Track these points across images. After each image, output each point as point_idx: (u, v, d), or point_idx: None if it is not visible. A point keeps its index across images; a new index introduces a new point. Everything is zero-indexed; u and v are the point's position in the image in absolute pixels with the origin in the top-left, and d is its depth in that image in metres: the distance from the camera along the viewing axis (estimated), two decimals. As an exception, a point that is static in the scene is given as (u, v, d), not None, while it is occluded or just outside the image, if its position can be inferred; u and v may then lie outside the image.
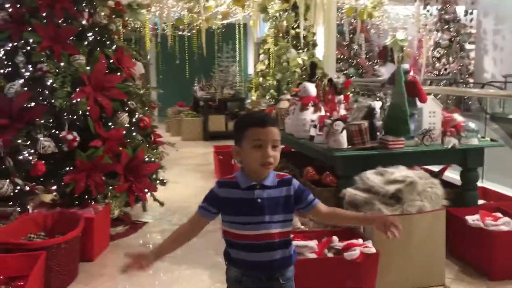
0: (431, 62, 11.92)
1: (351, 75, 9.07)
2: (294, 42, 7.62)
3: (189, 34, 9.57)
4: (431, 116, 3.38)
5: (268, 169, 1.65)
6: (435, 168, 3.91)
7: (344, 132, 3.22)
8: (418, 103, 3.32)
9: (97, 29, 3.90)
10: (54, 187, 3.49)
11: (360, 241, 2.78)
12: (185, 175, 6.11)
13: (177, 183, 5.42)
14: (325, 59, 8.08)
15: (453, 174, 4.24)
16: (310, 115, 3.76)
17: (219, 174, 5.65)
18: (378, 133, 3.44)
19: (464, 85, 11.65)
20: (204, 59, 10.19)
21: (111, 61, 3.89)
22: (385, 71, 12.24)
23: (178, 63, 10.63)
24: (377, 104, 3.54)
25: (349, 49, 10.04)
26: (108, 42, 3.98)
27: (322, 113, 3.79)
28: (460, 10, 11.89)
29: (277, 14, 6.78)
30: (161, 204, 4.22)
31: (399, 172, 3.02)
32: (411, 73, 3.29)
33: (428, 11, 11.79)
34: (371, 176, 3.05)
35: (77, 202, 3.56)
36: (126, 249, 3.64)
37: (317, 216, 1.81)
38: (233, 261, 1.73)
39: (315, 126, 3.57)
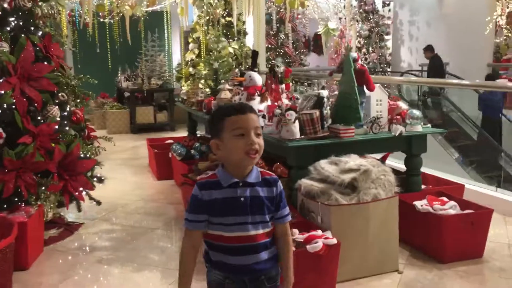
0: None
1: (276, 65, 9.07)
2: (225, 31, 7.48)
3: (111, 21, 9.06)
4: (378, 104, 3.41)
5: (253, 158, 1.52)
6: (377, 156, 3.97)
7: (297, 122, 3.16)
8: (367, 91, 3.33)
9: (20, 13, 3.51)
10: (-22, 190, 3.11)
11: (320, 232, 2.75)
12: (118, 170, 5.79)
13: (111, 179, 5.09)
14: (255, 48, 8.03)
15: (390, 162, 4.36)
16: (257, 105, 3.67)
17: (156, 168, 5.40)
18: (324, 122, 3.42)
19: (383, 74, 12.13)
20: (127, 48, 9.73)
21: (38, 48, 3.52)
22: (310, 61, 12.48)
23: (99, 52, 10.06)
24: (325, 93, 3.51)
25: (276, 39, 10.04)
26: (33, 28, 3.60)
27: (269, 102, 3.70)
28: (378, 1, 12.33)
29: (211, 1, 6.58)
30: (98, 203, 3.93)
31: (353, 160, 3.01)
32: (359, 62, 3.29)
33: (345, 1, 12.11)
34: (326, 166, 3.02)
35: (5, 206, 3.20)
36: (63, 254, 3.36)
37: (279, 234, 1.65)
38: (215, 264, 1.59)
39: (263, 116, 3.48)
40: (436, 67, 9.51)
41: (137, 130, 8.87)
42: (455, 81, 6.53)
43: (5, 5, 3.42)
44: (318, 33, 12.22)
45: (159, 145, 5.93)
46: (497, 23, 9.07)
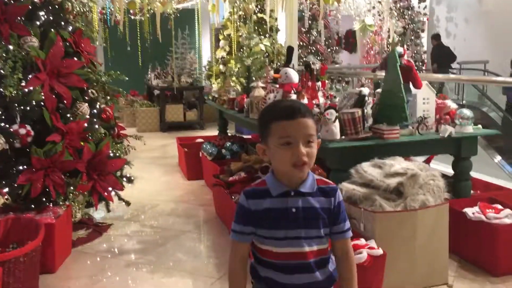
0: (386, 49, 11.93)
1: (311, 62, 8.85)
2: (256, 28, 7.31)
3: (141, 18, 8.99)
4: (425, 103, 3.17)
5: (302, 171, 1.33)
6: (420, 159, 3.73)
7: (337, 121, 2.95)
8: (412, 89, 3.10)
9: (50, 7, 3.41)
10: (6, 189, 3.02)
11: (363, 241, 2.53)
12: (147, 169, 5.68)
13: (139, 179, 4.98)
14: (287, 45, 7.83)
15: (434, 165, 4.10)
16: (293, 103, 3.47)
17: (186, 168, 5.27)
18: (365, 122, 3.21)
19: (420, 72, 11.73)
20: (157, 45, 9.64)
21: (68, 44, 3.41)
22: (342, 59, 12.20)
23: (130, 49, 10.03)
24: (366, 91, 3.29)
25: (308, 36, 9.81)
26: (63, 23, 3.50)
27: (306, 100, 3.50)
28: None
29: (245, -3, 6.42)
30: (128, 203, 3.81)
31: (399, 163, 2.79)
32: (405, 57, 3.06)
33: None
34: (369, 169, 2.80)
35: (33, 206, 3.10)
36: (91, 256, 3.24)
37: (338, 252, 1.45)
38: (263, 280, 1.41)
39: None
40: (445, 55, 9.54)
41: (166, 128, 8.78)
42: (499, 78, 6.19)
43: (35, -1, 3.32)
44: (351, 30, 11.96)
45: (189, 144, 5.79)
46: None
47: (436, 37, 10.72)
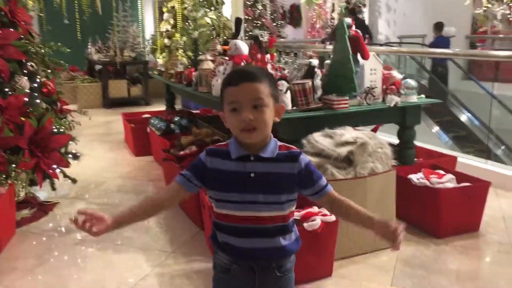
0: (330, 23, 12.06)
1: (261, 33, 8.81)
2: (201, 0, 7.16)
3: (79, -10, 8.55)
4: (372, 73, 3.24)
5: (250, 135, 1.32)
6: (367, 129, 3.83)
7: (288, 92, 2.96)
8: (360, 60, 3.16)
9: (-19, -27, 3.18)
10: None
11: (316, 208, 2.59)
12: (91, 146, 5.51)
13: (85, 156, 4.81)
14: (232, 19, 7.74)
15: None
16: (243, 75, 3.44)
17: (133, 144, 5.15)
18: (315, 93, 3.24)
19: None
20: (96, 18, 9.25)
21: (3, 13, 3.20)
22: (288, 33, 12.23)
23: (68, 22, 9.55)
24: (316, 62, 3.32)
25: (253, 10, 9.74)
26: (-4, -10, 3.27)
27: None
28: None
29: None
30: (74, 181, 3.69)
31: (349, 133, 2.85)
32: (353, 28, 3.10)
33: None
34: (320, 139, 2.85)
35: (-28, 185, 2.94)
36: (37, 236, 3.12)
37: (327, 206, 1.47)
38: (221, 246, 1.41)
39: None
40: (360, 28, 9.86)
41: (110, 104, 8.52)
42: (438, 50, 6.44)
43: (-36, -36, 3.08)
44: (295, 4, 11.97)
45: (135, 119, 5.65)
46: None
47: (351, 11, 10.85)
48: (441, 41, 8.75)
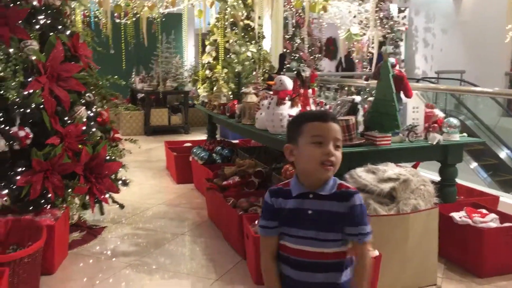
0: (366, 58, 12.19)
1: (293, 69, 8.98)
2: (243, 34, 7.41)
3: (127, 22, 8.98)
4: (414, 111, 3.32)
5: (328, 170, 1.43)
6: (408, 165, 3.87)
7: (333, 128, 3.06)
8: (403, 98, 3.24)
9: (49, 11, 3.44)
10: (5, 191, 3.03)
11: (359, 243, 2.65)
12: (135, 173, 5.69)
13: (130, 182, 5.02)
14: (272, 52, 7.95)
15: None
16: (287, 109, 3.57)
17: (175, 172, 5.32)
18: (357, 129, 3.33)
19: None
20: (140, 49, 9.65)
21: (67, 48, 3.45)
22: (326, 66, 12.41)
23: (113, 52, 9.99)
24: (359, 99, 3.42)
25: (291, 43, 9.95)
26: (61, 27, 3.53)
27: (300, 107, 3.61)
28: (393, 7, 12.23)
29: (235, 3, 6.50)
30: (121, 206, 3.85)
31: (391, 169, 2.92)
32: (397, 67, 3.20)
33: (363, 7, 12.02)
34: (363, 174, 2.92)
35: (31, 208, 3.12)
36: (88, 258, 3.27)
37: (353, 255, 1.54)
38: (283, 277, 1.51)
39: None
40: None
41: (151, 132, 8.80)
42: (478, 88, 6.43)
43: (35, 3, 3.35)
44: (332, 38, 12.17)
45: (177, 148, 5.85)
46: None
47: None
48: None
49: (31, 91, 3.12)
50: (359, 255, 1.51)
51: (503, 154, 7.76)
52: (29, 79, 3.14)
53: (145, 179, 5.56)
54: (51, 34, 3.37)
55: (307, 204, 1.46)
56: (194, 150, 5.06)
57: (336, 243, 1.47)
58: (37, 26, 3.36)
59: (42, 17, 3.39)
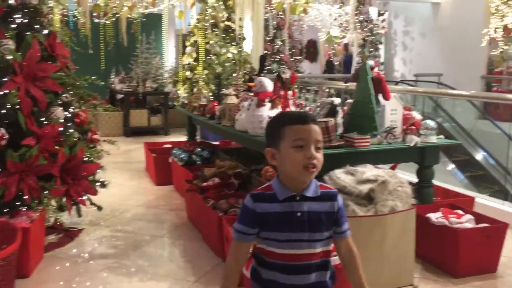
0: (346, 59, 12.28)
1: (274, 70, 9.01)
2: (223, 35, 7.39)
3: (106, 22, 8.89)
4: (392, 113, 3.35)
5: (311, 173, 1.43)
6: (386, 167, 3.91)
7: (312, 130, 3.08)
8: (381, 100, 3.28)
9: (26, 10, 3.38)
10: (-21, 193, 2.97)
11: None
12: (114, 174, 5.61)
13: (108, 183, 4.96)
14: (253, 54, 7.95)
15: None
16: (267, 111, 3.58)
17: (155, 174, 5.28)
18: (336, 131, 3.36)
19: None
20: (120, 49, 9.55)
21: (43, 47, 3.39)
22: (306, 68, 12.47)
23: (92, 52, 9.88)
24: (338, 101, 3.45)
25: (272, 45, 9.98)
26: (38, 26, 3.48)
27: (280, 109, 3.62)
28: (373, 11, 12.36)
29: (216, 4, 6.49)
30: (99, 208, 3.81)
31: (370, 171, 2.95)
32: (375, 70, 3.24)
33: (343, 10, 12.13)
34: (342, 176, 2.94)
35: (6, 210, 3.07)
36: (64, 261, 3.22)
37: (343, 250, 1.58)
38: (264, 282, 1.50)
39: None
40: None
41: (130, 133, 8.72)
42: (455, 91, 6.54)
43: (11, 1, 3.29)
44: (312, 40, 12.24)
45: (157, 149, 5.81)
46: (491, 36, 9.15)
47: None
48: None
49: (6, 91, 3.06)
50: (349, 247, 1.56)
51: (479, 156, 7.91)
52: (5, 79, 3.09)
53: (124, 180, 5.50)
54: (27, 33, 3.32)
55: (296, 206, 1.45)
56: (174, 152, 5.03)
57: (324, 242, 1.49)
58: (14, 25, 3.31)
59: (18, 16, 3.34)
